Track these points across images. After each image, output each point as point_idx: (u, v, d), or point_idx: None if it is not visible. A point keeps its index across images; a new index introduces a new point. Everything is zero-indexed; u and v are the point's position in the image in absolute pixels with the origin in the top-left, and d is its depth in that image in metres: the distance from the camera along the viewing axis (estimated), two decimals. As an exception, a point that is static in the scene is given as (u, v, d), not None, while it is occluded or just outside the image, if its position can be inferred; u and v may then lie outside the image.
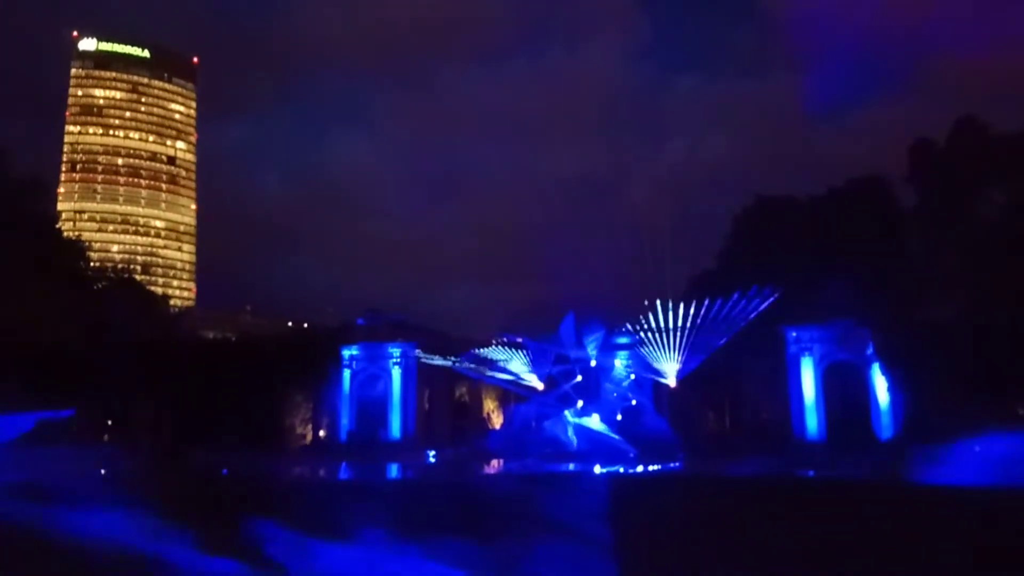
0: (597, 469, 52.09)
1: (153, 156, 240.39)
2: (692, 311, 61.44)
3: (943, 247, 55.88)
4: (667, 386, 67.54)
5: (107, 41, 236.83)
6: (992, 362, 50.69)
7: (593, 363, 70.15)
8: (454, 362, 71.83)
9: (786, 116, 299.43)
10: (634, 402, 70.07)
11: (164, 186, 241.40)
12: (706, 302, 60.67)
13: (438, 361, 71.92)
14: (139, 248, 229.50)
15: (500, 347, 70.35)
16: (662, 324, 62.90)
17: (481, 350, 70.88)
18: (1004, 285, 50.82)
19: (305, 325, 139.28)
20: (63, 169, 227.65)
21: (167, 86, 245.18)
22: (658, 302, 62.10)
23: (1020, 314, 49.36)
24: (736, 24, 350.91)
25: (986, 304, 51.48)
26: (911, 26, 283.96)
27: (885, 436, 61.63)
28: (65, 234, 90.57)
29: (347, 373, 75.75)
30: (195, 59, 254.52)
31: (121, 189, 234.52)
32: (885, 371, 61.79)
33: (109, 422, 72.55)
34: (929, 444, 49.03)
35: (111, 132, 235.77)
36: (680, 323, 62.33)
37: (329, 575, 21.62)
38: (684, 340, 62.82)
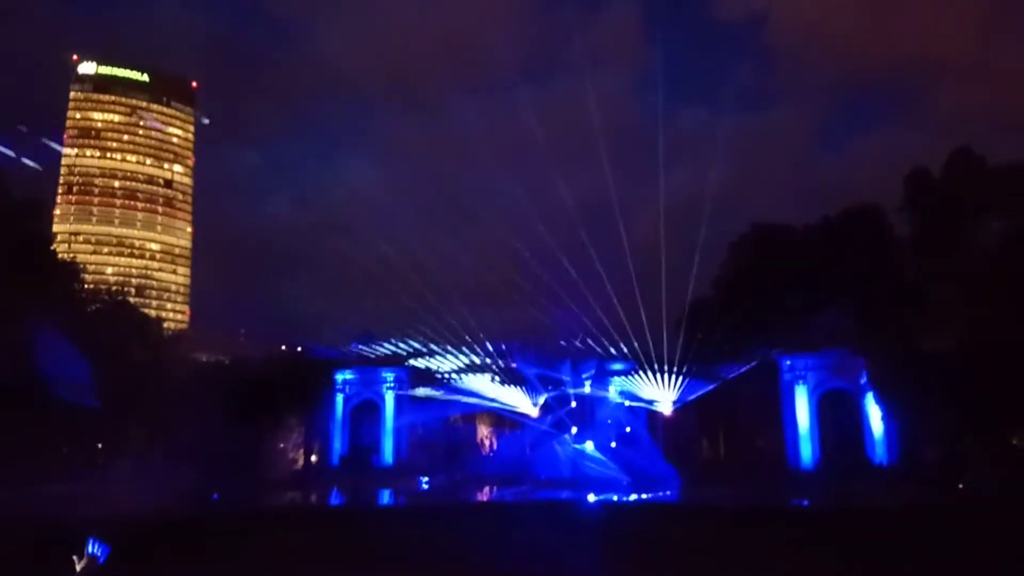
0: (591, 497, 51.70)
1: (150, 179, 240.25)
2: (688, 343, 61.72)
3: (938, 276, 55.82)
4: (662, 413, 67.29)
5: (106, 65, 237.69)
6: (987, 392, 50.47)
7: (587, 390, 69.90)
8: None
9: (787, 147, 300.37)
10: (628, 429, 69.72)
11: (160, 209, 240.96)
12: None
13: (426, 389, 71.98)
14: (134, 271, 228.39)
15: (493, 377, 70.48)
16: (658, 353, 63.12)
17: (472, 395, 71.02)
18: (999, 314, 50.66)
19: (299, 349, 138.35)
20: (59, 191, 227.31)
21: (165, 110, 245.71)
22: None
23: (1016, 344, 49.22)
24: (740, 58, 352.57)
25: (981, 333, 51.30)
26: (909, 58, 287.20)
27: (879, 465, 61.38)
28: (60, 256, 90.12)
29: (340, 397, 75.38)
30: (194, 83, 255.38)
31: (117, 211, 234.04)
32: (879, 400, 61.54)
33: (99, 445, 71.76)
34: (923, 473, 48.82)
35: (108, 155, 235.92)
36: (676, 355, 62.58)
37: None
38: (680, 373, 62.87)
